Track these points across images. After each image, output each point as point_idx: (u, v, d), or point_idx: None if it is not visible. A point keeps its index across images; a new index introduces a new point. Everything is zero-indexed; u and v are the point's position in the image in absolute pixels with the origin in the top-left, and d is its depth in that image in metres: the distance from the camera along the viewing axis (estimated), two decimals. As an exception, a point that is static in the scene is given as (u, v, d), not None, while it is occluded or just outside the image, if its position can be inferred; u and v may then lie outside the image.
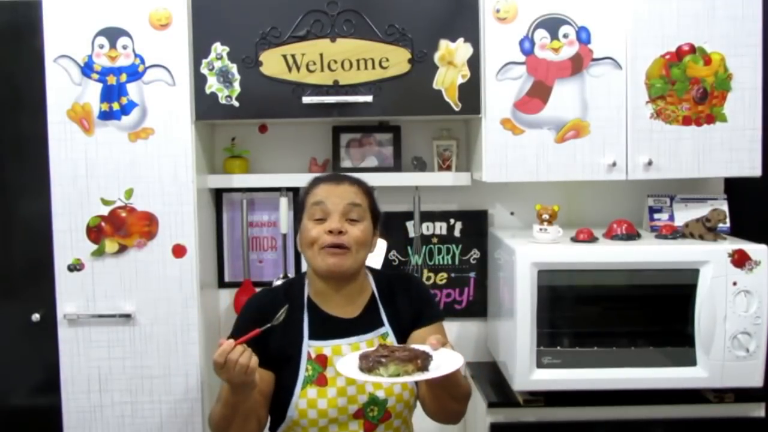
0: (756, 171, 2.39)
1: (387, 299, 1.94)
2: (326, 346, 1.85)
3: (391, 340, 1.88)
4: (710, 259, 2.25)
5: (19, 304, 2.65)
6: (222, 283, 2.78)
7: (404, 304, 1.93)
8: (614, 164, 2.37)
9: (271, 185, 2.67)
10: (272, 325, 1.73)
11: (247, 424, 1.78)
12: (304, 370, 1.82)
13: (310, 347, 1.84)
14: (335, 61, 2.38)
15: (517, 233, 2.55)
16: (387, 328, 1.90)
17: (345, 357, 1.71)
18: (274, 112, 2.42)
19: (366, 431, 1.83)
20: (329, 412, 1.80)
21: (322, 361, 1.83)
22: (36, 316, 2.62)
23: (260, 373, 1.75)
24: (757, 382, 2.28)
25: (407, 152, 2.74)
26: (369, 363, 1.60)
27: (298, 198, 1.98)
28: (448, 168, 2.69)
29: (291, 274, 2.73)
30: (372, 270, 2.01)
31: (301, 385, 1.81)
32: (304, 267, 2.74)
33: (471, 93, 2.40)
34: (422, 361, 1.60)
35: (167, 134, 2.34)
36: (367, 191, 1.95)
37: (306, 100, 2.38)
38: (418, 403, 1.93)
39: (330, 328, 1.88)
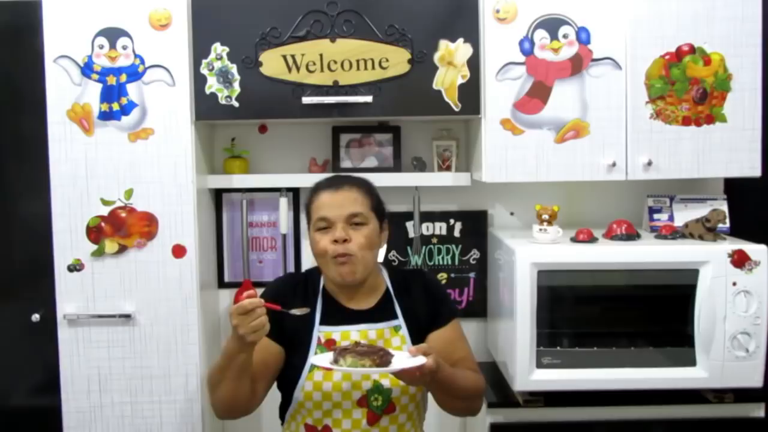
0: (756, 171, 2.39)
1: (401, 295, 1.97)
2: (335, 332, 1.89)
3: (404, 333, 1.91)
4: (710, 260, 2.25)
5: (19, 304, 2.64)
6: (222, 284, 2.78)
7: (420, 302, 1.96)
8: (614, 164, 2.37)
9: (271, 185, 2.67)
10: (290, 312, 1.78)
11: (240, 382, 1.77)
12: (312, 354, 1.85)
13: (320, 332, 1.89)
14: (335, 62, 2.38)
15: (517, 233, 2.55)
16: (400, 321, 1.93)
17: (325, 353, 1.78)
18: (273, 112, 2.42)
19: (369, 421, 1.85)
20: (333, 395, 1.84)
21: (330, 345, 1.86)
22: (36, 317, 2.61)
23: (268, 346, 1.84)
24: (757, 382, 2.28)
25: (407, 152, 2.74)
26: (336, 354, 1.68)
27: (305, 201, 2.00)
28: (448, 168, 2.69)
29: (291, 275, 2.73)
30: (387, 267, 2.04)
31: (309, 369, 1.84)
32: (305, 267, 2.77)
33: (471, 93, 2.40)
34: (380, 357, 1.66)
35: (167, 134, 2.34)
36: (368, 192, 1.95)
37: (306, 100, 2.38)
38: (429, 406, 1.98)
39: (342, 316, 1.92)
